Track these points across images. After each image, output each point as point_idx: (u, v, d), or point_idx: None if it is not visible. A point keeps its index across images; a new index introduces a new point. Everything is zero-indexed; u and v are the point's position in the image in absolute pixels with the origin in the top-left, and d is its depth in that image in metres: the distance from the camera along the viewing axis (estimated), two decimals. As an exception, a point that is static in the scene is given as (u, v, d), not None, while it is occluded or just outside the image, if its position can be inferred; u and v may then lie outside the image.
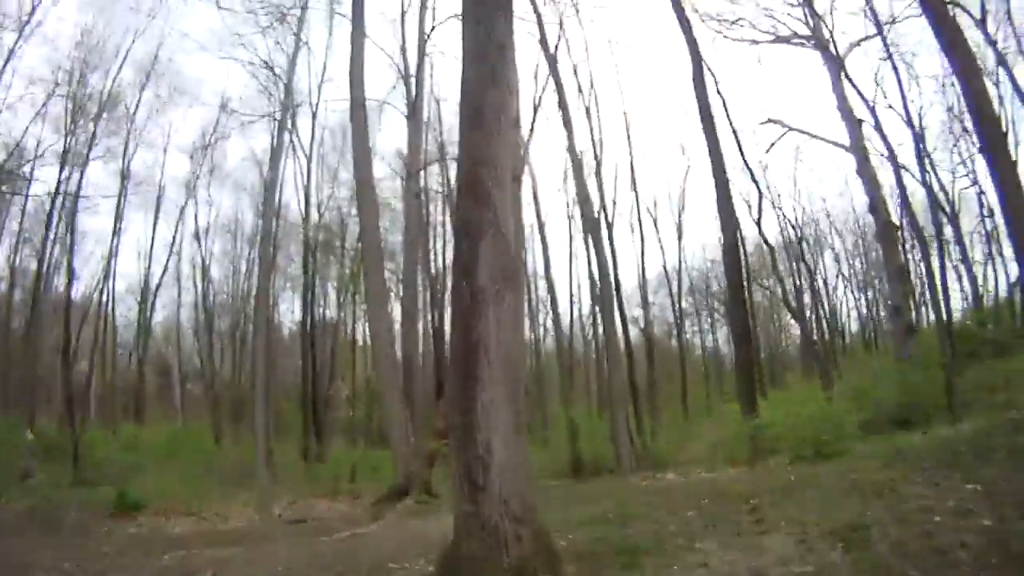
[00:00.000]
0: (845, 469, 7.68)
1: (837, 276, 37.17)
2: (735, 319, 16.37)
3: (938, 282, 15.69)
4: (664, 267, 32.90)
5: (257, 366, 14.88)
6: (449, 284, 29.07)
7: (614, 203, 26.18)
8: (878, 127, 16.13)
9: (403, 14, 18.05)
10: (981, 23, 14.04)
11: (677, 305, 34.64)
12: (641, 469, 16.78)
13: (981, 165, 22.78)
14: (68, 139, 22.09)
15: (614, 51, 47.05)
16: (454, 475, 4.35)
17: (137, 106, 25.49)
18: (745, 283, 17.95)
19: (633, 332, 29.11)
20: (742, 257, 17.14)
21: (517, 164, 5.57)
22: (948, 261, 18.42)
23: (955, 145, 22.62)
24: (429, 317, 27.44)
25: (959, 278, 23.41)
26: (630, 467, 15.77)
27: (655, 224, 31.72)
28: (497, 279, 4.55)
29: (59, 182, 21.91)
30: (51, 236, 22.82)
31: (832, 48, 18.12)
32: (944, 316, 15.19)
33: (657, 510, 6.83)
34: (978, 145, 20.92)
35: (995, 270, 24.38)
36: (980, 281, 24.08)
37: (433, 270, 27.58)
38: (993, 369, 15.21)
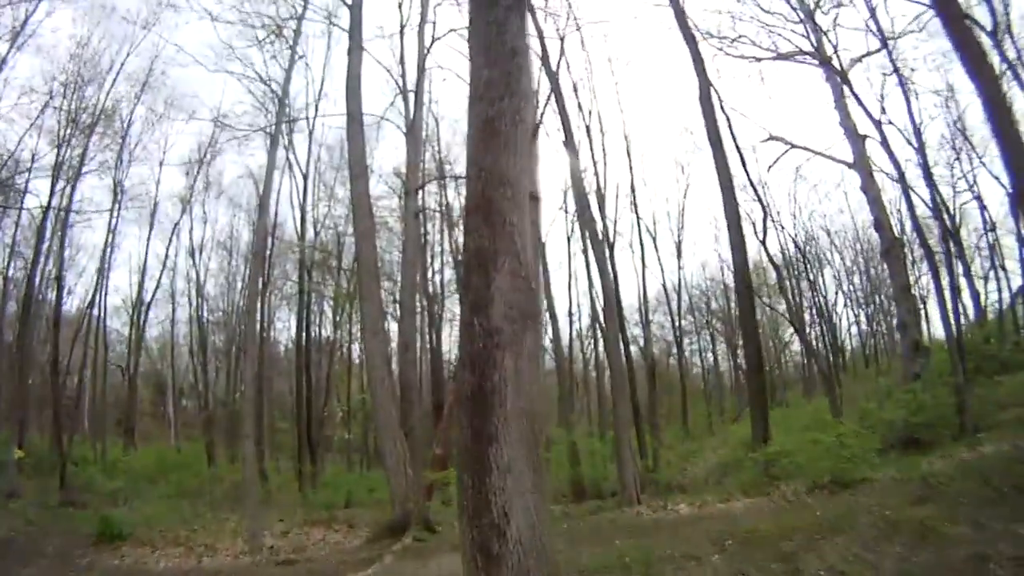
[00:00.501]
0: (874, 503, 7.22)
1: (837, 293, 36.88)
2: (748, 346, 15.95)
3: (948, 298, 15.26)
4: (664, 285, 32.45)
5: (247, 392, 14.31)
6: (448, 305, 28.96)
7: (615, 222, 25.76)
8: (884, 143, 15.79)
9: (402, 28, 17.63)
10: (992, 34, 13.78)
11: (677, 323, 34.19)
12: (646, 493, 16.33)
13: (983, 179, 22.60)
14: (62, 151, 21.74)
15: (615, 70, 46.82)
16: (464, 543, 3.76)
17: (131, 119, 25.13)
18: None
19: (632, 351, 28.60)
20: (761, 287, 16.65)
21: (535, 181, 4.91)
22: (956, 277, 18.00)
23: (956, 159, 22.34)
24: (427, 337, 26.93)
25: (959, 292, 23.10)
26: (636, 492, 15.23)
27: (654, 243, 31.31)
28: (515, 318, 3.95)
29: (51, 195, 21.55)
30: (43, 249, 22.37)
31: (835, 64, 17.85)
32: (954, 333, 14.77)
33: (678, 553, 6.35)
34: (982, 156, 21.11)
35: (998, 284, 24.08)
36: (982, 296, 23.75)
37: (431, 290, 27.14)
38: (1001, 385, 14.88)
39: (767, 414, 14.42)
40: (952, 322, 15.14)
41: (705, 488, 15.22)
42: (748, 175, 18.73)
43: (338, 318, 30.45)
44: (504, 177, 4.12)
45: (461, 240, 23.90)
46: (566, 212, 26.98)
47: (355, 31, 13.92)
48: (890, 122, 18.74)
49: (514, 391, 3.80)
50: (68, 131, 21.83)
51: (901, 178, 15.64)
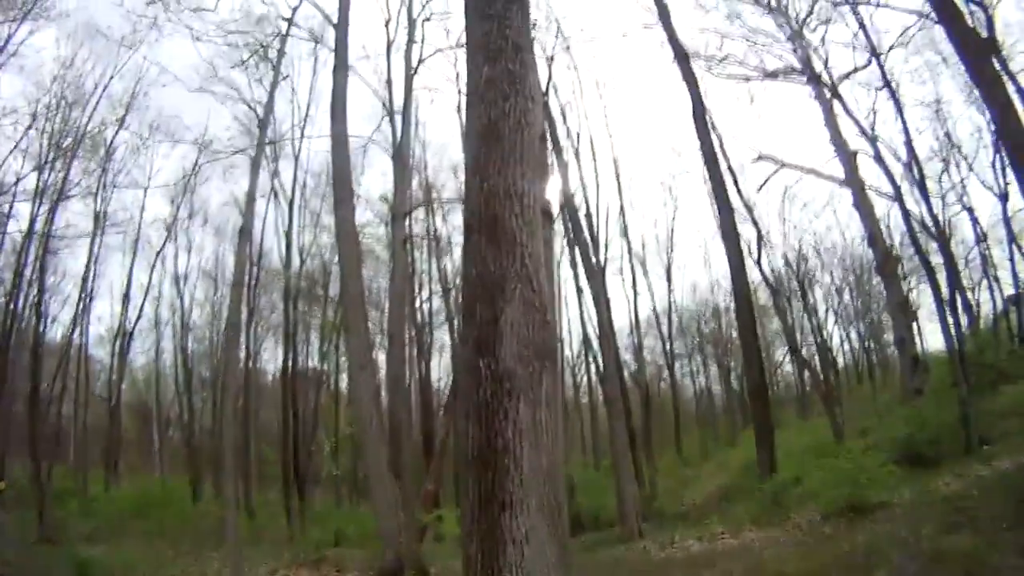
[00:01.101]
0: (904, 532, 6.73)
1: (827, 311, 36.64)
2: (750, 373, 15.46)
3: (947, 311, 15.00)
4: (654, 309, 32.08)
5: (227, 430, 13.64)
6: (436, 335, 28.39)
7: (606, 247, 25.43)
8: (878, 157, 15.63)
9: (389, 47, 17.34)
10: (989, 43, 13.69)
11: (668, 347, 33.81)
12: (647, 524, 15.81)
13: (974, 188, 22.37)
14: (44, 175, 21.20)
15: (603, 93, 46.95)
16: None
17: (113, 143, 24.56)
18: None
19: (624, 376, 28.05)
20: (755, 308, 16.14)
21: (545, 194, 4.29)
22: (954, 289, 17.77)
23: (944, 172, 22.19)
24: (416, 366, 26.34)
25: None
26: (637, 524, 14.70)
27: (643, 267, 30.97)
28: (529, 358, 3.27)
29: (33, 219, 20.93)
30: (26, 275, 21.68)
31: (826, 80, 17.74)
32: (955, 345, 14.47)
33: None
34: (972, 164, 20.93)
35: (991, 294, 23.90)
36: (974, 307, 23.55)
37: (419, 319, 26.59)
38: (1001, 395, 14.42)
39: (773, 443, 13.90)
40: (953, 335, 14.89)
41: (708, 517, 14.62)
42: (741, 195, 18.50)
43: (325, 348, 29.87)
44: (511, 189, 3.53)
45: (450, 268, 23.43)
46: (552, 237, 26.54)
47: (341, 50, 13.56)
48: (876, 137, 18.63)
49: (531, 447, 3.16)
50: (51, 154, 21.37)
51: (897, 192, 15.42)
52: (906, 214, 15.95)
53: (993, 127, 18.27)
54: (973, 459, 10.60)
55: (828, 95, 17.99)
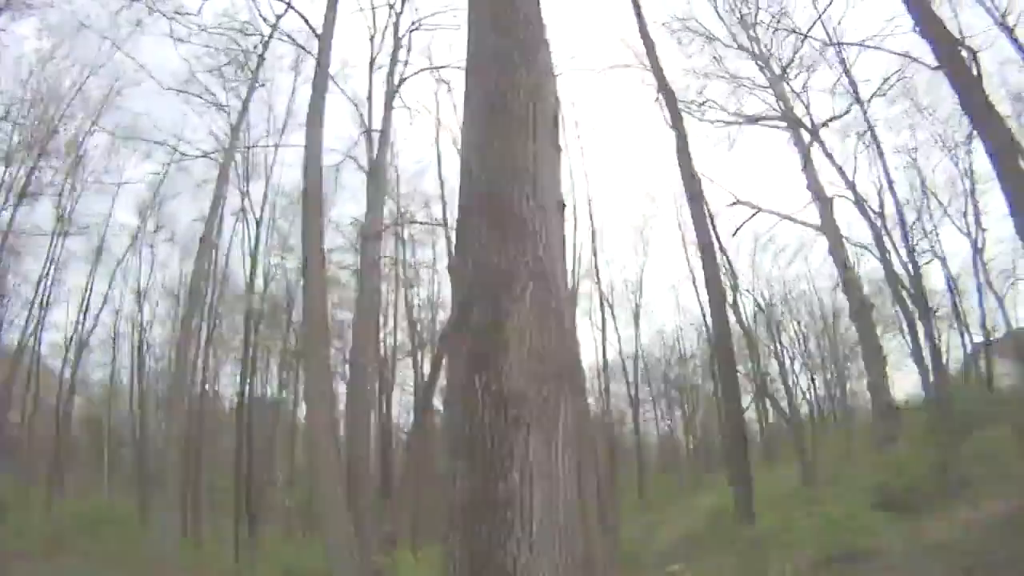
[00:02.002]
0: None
1: (794, 358, 36.84)
2: (729, 417, 15.06)
3: (928, 358, 15.01)
4: (620, 354, 31.71)
5: (170, 456, 12.70)
6: (401, 367, 27.68)
7: (576, 289, 25.02)
8: (859, 204, 15.67)
9: (372, 62, 16.87)
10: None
11: (634, 392, 33.53)
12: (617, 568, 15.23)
13: (947, 234, 22.50)
14: (13, 169, 20.43)
15: (580, 133, 47.19)
16: None
17: (84, 143, 23.64)
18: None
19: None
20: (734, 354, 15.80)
21: (559, 183, 3.56)
22: (932, 336, 17.84)
23: (917, 219, 22.49)
24: (377, 402, 25.43)
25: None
26: (608, 573, 14.07)
27: (612, 311, 30.62)
28: (545, 376, 2.53)
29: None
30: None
31: (806, 126, 17.90)
32: (934, 392, 14.43)
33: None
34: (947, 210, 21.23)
35: (963, 341, 24.15)
36: (944, 353, 23.83)
37: (382, 353, 25.78)
38: (975, 440, 14.21)
39: (752, 490, 13.50)
40: (932, 381, 14.88)
41: (678, 564, 14.10)
42: (719, 240, 18.39)
43: (285, 376, 28.94)
44: (519, 167, 2.85)
45: (416, 300, 22.82)
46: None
47: (323, 59, 13.12)
48: (851, 186, 18.81)
49: (545, 498, 2.36)
50: (20, 150, 20.55)
51: (877, 239, 15.45)
52: (886, 261, 15.97)
53: (971, 173, 18.83)
54: (953, 504, 10.38)
55: (808, 140, 18.14)
